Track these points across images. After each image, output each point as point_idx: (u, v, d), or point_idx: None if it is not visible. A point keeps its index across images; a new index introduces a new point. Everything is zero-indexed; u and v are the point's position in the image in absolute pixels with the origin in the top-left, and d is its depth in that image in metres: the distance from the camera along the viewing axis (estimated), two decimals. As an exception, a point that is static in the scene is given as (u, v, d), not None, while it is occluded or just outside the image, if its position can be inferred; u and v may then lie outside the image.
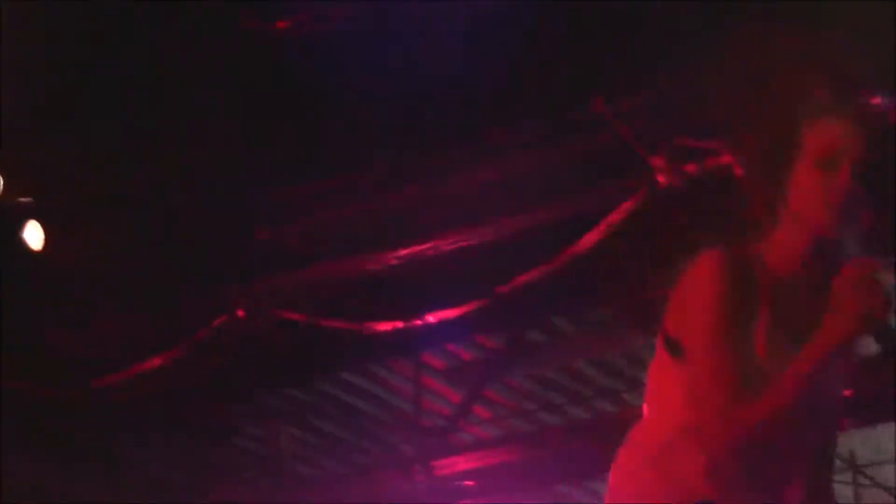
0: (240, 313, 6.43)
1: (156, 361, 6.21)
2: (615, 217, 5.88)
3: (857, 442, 8.37)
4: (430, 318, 6.77)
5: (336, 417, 8.41)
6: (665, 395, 2.91)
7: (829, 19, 4.51)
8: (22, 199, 6.32)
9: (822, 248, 2.70)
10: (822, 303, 2.64)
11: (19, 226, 6.35)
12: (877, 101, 2.89)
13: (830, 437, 2.95)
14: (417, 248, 6.69)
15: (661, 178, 5.70)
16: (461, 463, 7.87)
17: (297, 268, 6.75)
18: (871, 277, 2.56)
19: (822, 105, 2.69)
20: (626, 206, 5.89)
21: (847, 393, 3.03)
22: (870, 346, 2.72)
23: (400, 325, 6.68)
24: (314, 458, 8.71)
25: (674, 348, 2.87)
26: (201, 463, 8.26)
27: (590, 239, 5.98)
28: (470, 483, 7.89)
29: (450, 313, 6.62)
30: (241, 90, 6.32)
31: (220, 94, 6.26)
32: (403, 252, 6.65)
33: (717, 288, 2.74)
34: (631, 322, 7.06)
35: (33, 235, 6.35)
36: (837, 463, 8.66)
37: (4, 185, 6.15)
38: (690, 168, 5.70)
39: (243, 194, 6.49)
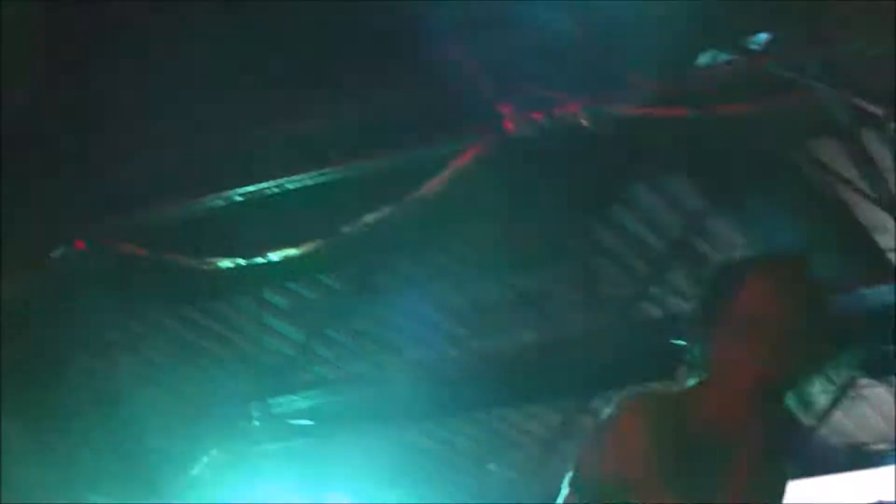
0: (79, 245, 6.32)
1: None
2: (461, 162, 5.90)
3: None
4: (273, 256, 6.73)
5: (175, 352, 8.34)
6: None
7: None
8: None
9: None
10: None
11: None
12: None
13: None
14: (262, 186, 6.64)
15: (508, 126, 5.72)
16: (299, 401, 7.88)
17: (139, 204, 6.66)
18: None
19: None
20: (473, 152, 5.91)
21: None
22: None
23: (242, 261, 6.63)
24: (151, 392, 8.63)
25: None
26: (33, 400, 8.15)
27: (435, 183, 5.99)
28: (307, 422, 7.91)
29: (293, 251, 6.59)
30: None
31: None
32: (248, 190, 6.60)
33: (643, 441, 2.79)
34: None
35: None
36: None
37: None
38: (537, 116, 5.73)
39: (87, 132, 6.38)
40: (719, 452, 2.83)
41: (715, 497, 2.74)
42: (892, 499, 8.41)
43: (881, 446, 9.47)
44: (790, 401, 2.89)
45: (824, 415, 8.82)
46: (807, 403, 2.91)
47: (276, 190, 6.60)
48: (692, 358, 2.92)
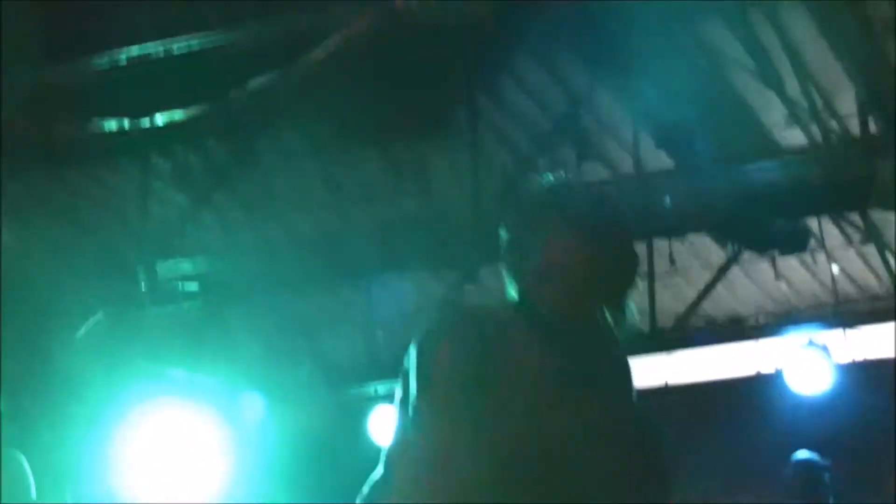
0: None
1: None
2: (348, 32, 5.87)
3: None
4: (158, 119, 6.66)
5: (58, 218, 8.27)
6: None
7: None
8: None
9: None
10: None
11: None
12: None
13: None
14: (148, 50, 6.57)
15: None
16: (186, 266, 7.86)
17: (23, 66, 6.56)
18: None
19: None
20: (361, 22, 5.88)
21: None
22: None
23: (126, 124, 6.57)
24: (34, 257, 8.56)
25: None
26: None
27: (321, 52, 5.96)
28: (193, 287, 7.91)
29: (178, 115, 6.53)
30: None
31: None
32: (133, 53, 6.52)
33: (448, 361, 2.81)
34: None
35: None
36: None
37: None
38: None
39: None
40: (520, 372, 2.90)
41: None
42: (772, 370, 8.63)
43: (761, 319, 9.69)
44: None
45: (706, 289, 9.00)
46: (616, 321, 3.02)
47: (162, 54, 6.53)
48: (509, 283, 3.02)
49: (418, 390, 2.80)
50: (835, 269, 9.13)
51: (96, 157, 7.57)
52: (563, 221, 2.98)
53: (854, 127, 7.14)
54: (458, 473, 2.72)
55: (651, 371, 9.51)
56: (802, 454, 7.15)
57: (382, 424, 9.38)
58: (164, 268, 7.81)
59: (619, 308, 2.98)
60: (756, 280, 9.43)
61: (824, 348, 8.37)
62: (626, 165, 7.78)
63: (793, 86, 7.02)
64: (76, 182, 7.97)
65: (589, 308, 2.98)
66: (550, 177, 3.12)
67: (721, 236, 8.22)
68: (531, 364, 2.86)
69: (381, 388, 9.61)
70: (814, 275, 9.35)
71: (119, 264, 8.11)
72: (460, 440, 2.75)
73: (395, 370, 8.28)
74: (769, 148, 7.60)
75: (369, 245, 7.84)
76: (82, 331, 8.12)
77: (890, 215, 7.71)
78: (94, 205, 8.22)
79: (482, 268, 8.80)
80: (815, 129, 7.23)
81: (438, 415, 2.78)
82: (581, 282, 2.95)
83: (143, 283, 7.79)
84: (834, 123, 7.35)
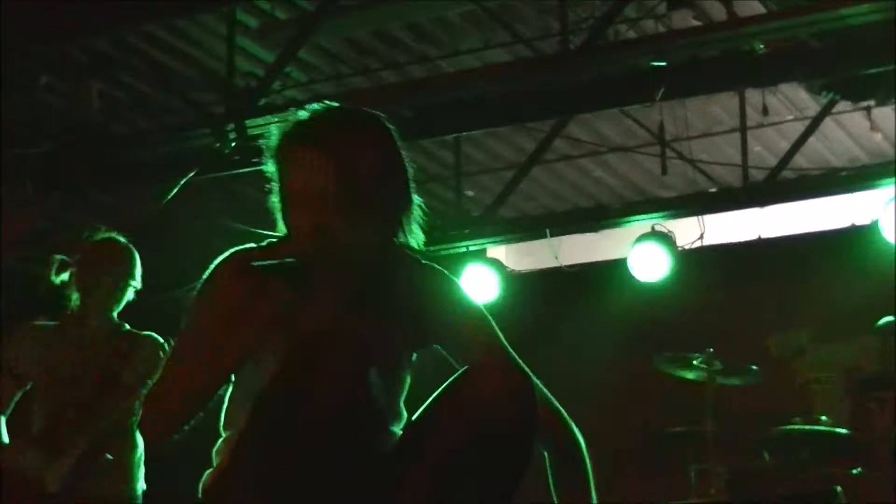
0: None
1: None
2: None
3: (665, 116, 8.56)
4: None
5: (146, 75, 8.28)
6: None
7: None
8: None
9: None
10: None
11: None
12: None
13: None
14: None
15: None
16: (274, 123, 7.84)
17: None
18: None
19: None
20: None
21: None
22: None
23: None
24: (124, 115, 8.61)
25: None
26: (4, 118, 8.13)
27: None
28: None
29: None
30: None
31: None
32: None
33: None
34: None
35: None
36: (646, 135, 8.94)
37: None
38: None
39: None
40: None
41: None
42: (866, 221, 8.52)
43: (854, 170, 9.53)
44: None
45: (799, 141, 8.87)
46: None
47: None
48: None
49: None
50: (933, 118, 8.97)
51: (182, 11, 7.56)
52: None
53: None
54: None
55: (744, 225, 9.43)
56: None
57: (473, 282, 9.42)
58: (253, 125, 7.81)
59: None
60: (850, 131, 9.27)
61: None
62: (718, 12, 7.63)
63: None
64: (162, 38, 7.95)
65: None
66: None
67: (814, 85, 8.07)
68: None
69: (473, 245, 9.62)
70: (911, 125, 9.19)
71: (207, 122, 8.12)
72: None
73: (485, 227, 8.27)
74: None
75: (457, 98, 7.79)
76: (175, 188, 8.16)
77: None
78: (181, 62, 8.20)
79: (572, 120, 8.76)
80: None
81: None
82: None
83: (232, 141, 7.80)
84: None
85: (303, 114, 3.05)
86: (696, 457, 7.74)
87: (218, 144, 7.78)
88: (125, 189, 8.82)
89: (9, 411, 5.56)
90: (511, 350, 3.17)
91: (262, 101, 7.89)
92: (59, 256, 5.66)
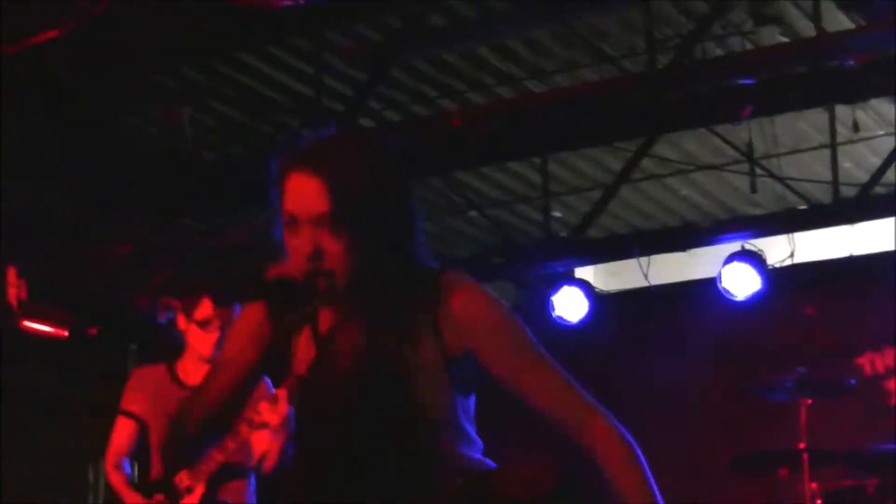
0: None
1: (51, 34, 6.08)
2: None
3: (754, 134, 8.52)
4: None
5: (237, 101, 8.37)
6: None
7: None
8: None
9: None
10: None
11: None
12: None
13: None
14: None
15: None
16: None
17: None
18: None
19: None
20: None
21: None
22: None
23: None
24: (216, 142, 8.70)
25: None
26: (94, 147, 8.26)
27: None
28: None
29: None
30: None
31: None
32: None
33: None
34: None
35: None
36: (734, 153, 8.89)
37: None
38: None
39: None
40: None
41: None
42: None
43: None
44: None
45: (891, 157, 8.79)
46: None
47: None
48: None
49: None
50: None
51: (272, 37, 7.64)
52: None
53: None
54: None
55: (834, 242, 9.36)
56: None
57: (563, 303, 9.41)
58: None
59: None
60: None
61: None
62: (806, 28, 7.58)
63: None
64: (250, 64, 8.03)
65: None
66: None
67: (905, 100, 8.01)
68: None
69: (560, 266, 9.62)
70: None
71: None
72: None
73: (572, 248, 8.27)
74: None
75: (544, 119, 7.80)
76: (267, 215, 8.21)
77: None
78: (269, 86, 8.28)
79: (659, 139, 8.73)
80: None
81: None
82: None
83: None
84: None
85: (305, 141, 3.09)
86: (790, 476, 7.68)
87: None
88: (216, 215, 8.93)
89: (130, 452, 5.72)
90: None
91: (352, 124, 7.95)
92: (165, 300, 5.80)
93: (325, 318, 3.07)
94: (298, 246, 2.98)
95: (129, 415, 5.78)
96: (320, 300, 3.00)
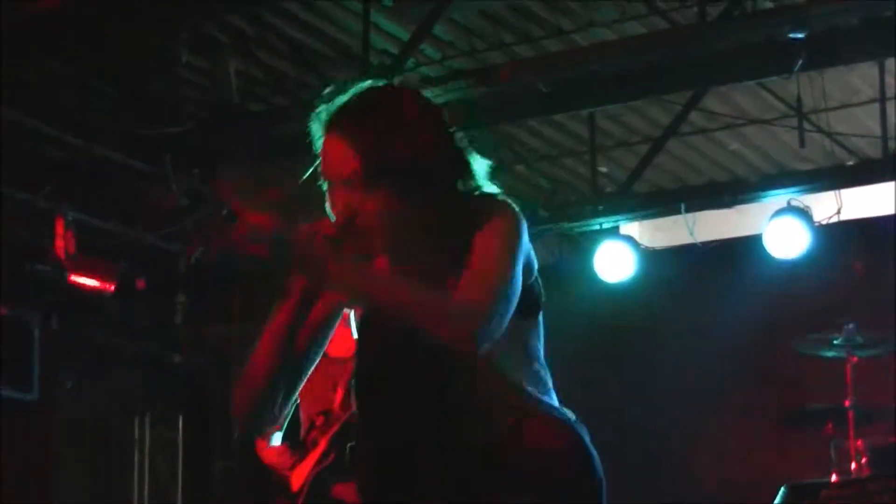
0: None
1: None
2: None
3: (802, 87, 8.44)
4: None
5: (283, 52, 8.36)
6: None
7: None
8: None
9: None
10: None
11: None
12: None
13: None
14: None
15: None
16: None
17: None
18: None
19: None
20: None
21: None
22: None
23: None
24: (261, 93, 8.71)
25: None
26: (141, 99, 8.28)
27: None
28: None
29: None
30: None
31: None
32: None
33: None
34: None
35: None
36: (783, 107, 8.84)
37: None
38: None
39: None
40: None
41: None
42: None
43: None
44: None
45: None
46: None
47: None
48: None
49: None
50: None
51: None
52: None
53: None
54: None
55: (882, 198, 9.28)
56: None
57: (608, 259, 9.39)
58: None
59: None
60: None
61: None
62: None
63: None
64: (298, 15, 8.02)
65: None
66: None
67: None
68: None
69: (606, 221, 9.59)
70: None
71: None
72: None
73: (618, 203, 8.25)
74: None
75: (593, 71, 7.75)
76: (312, 166, 8.21)
77: None
78: (317, 39, 8.27)
79: (708, 92, 8.67)
80: None
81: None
82: None
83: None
84: None
85: (341, 98, 3.06)
86: (837, 432, 7.66)
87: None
88: (262, 166, 8.95)
89: (284, 424, 5.82)
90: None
91: (398, 78, 7.92)
92: None
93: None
94: (334, 206, 3.02)
95: None
96: (355, 256, 2.99)
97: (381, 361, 3.08)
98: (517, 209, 3.07)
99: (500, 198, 3.09)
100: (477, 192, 3.08)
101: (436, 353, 2.94)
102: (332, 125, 3.01)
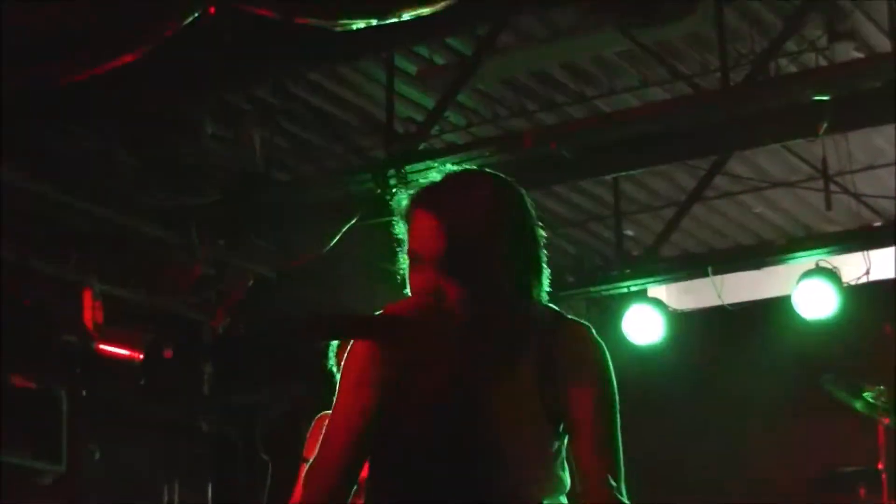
0: (211, 10, 6.32)
1: (126, 58, 6.13)
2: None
3: (828, 150, 8.44)
4: (405, 15, 6.66)
5: (307, 121, 8.41)
6: None
7: None
8: None
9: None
10: None
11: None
12: None
13: None
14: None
15: None
16: (434, 167, 7.88)
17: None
18: None
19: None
20: None
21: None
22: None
23: (374, 21, 6.59)
24: (286, 161, 8.75)
25: None
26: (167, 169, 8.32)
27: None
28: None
29: (424, 9, 6.51)
30: None
31: None
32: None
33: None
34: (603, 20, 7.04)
35: None
36: (808, 169, 8.82)
37: None
38: None
39: None
40: None
41: None
42: None
43: None
44: None
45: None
46: None
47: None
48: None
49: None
50: None
51: (342, 59, 7.67)
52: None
53: None
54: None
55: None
56: None
57: (636, 322, 9.36)
58: (413, 170, 7.88)
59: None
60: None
61: None
62: (881, 43, 7.51)
63: None
64: (323, 85, 8.07)
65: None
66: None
67: None
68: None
69: (633, 285, 9.57)
70: None
71: (368, 168, 8.21)
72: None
73: (645, 266, 8.18)
74: None
75: (616, 137, 7.77)
76: (338, 234, 8.25)
77: None
78: (342, 108, 8.32)
79: (733, 156, 8.67)
80: None
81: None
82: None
83: (393, 187, 7.87)
84: None
85: (434, 176, 3.07)
86: (869, 495, 7.60)
87: (379, 190, 7.86)
88: (287, 235, 8.96)
89: None
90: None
91: (422, 146, 7.97)
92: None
93: (436, 358, 3.07)
94: (420, 285, 3.01)
95: (306, 461, 5.85)
96: (435, 340, 3.01)
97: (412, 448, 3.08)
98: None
99: (587, 325, 3.18)
100: (543, 303, 3.11)
101: (476, 450, 3.02)
102: (427, 201, 3.01)
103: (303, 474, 5.86)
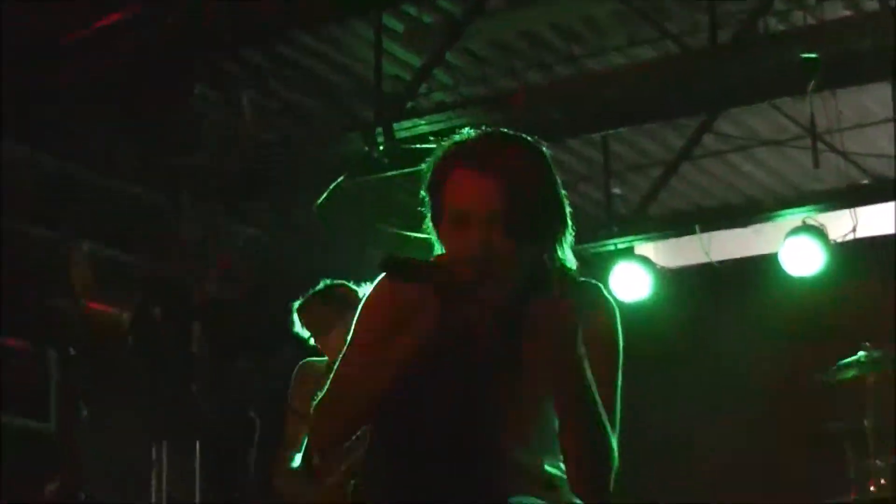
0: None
1: (114, 17, 6.11)
2: None
3: (816, 108, 8.44)
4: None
5: (296, 82, 8.39)
6: None
7: None
8: None
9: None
10: None
11: None
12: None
13: None
14: None
15: None
16: (423, 126, 7.90)
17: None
18: None
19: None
20: None
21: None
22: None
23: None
24: (275, 122, 8.73)
25: None
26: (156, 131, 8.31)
27: None
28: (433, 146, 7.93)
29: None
30: None
31: None
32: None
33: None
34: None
35: None
36: (796, 128, 8.83)
37: None
38: None
39: None
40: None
41: None
42: None
43: None
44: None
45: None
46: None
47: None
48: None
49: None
50: None
51: (330, 18, 7.65)
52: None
53: None
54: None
55: (897, 216, 9.27)
56: None
57: (623, 280, 9.38)
58: (403, 128, 7.88)
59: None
60: None
61: None
62: (870, 2, 7.50)
63: None
64: (310, 45, 8.05)
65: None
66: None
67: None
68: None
69: (621, 243, 9.58)
70: None
71: (356, 127, 8.21)
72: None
73: (633, 225, 8.18)
74: None
75: (604, 96, 7.77)
76: (326, 194, 8.26)
77: None
78: (329, 67, 8.30)
79: (721, 115, 8.68)
80: None
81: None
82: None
83: (381, 145, 7.88)
84: None
85: (459, 136, 3.07)
86: (856, 452, 7.64)
87: (367, 149, 7.86)
88: (277, 196, 8.96)
89: (302, 447, 5.80)
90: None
91: (410, 105, 7.96)
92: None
93: (479, 314, 3.07)
94: (464, 243, 2.98)
95: (293, 411, 5.87)
96: (482, 295, 3.00)
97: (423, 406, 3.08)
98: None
99: (605, 292, 3.18)
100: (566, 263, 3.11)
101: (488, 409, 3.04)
102: (482, 160, 2.98)
103: (286, 422, 5.90)
